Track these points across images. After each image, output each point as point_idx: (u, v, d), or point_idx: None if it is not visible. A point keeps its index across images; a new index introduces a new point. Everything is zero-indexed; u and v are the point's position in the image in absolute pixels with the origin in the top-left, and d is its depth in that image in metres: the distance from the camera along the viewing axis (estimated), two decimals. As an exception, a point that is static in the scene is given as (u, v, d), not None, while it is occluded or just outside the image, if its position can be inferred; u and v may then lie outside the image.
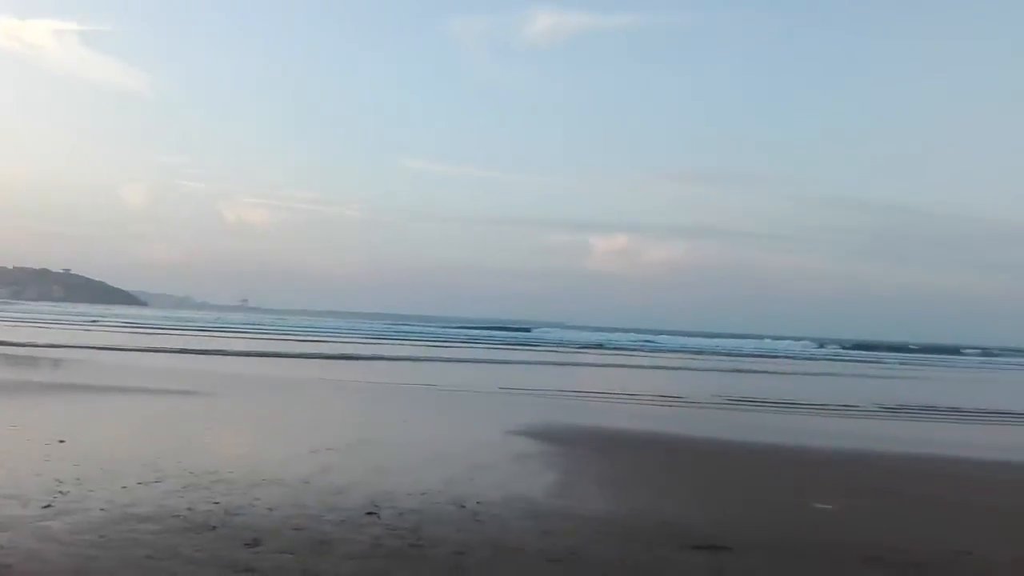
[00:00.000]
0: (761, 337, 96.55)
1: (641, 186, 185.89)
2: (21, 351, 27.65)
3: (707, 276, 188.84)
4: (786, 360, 56.37)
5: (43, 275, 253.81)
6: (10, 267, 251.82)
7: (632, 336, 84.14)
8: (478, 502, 7.63)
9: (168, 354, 30.29)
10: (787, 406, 21.79)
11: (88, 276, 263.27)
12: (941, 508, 8.96)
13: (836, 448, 13.97)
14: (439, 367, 31.91)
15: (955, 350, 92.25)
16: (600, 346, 63.98)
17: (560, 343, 65.62)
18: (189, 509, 6.77)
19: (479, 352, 44.07)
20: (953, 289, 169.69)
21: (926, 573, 6.08)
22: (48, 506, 6.58)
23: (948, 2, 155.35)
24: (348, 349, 39.50)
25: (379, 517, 6.88)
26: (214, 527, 6.28)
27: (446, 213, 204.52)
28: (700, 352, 61.89)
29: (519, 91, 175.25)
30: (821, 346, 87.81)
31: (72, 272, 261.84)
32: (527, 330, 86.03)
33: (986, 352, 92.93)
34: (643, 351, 59.43)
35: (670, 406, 20.44)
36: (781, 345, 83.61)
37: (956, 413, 22.14)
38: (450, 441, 12.40)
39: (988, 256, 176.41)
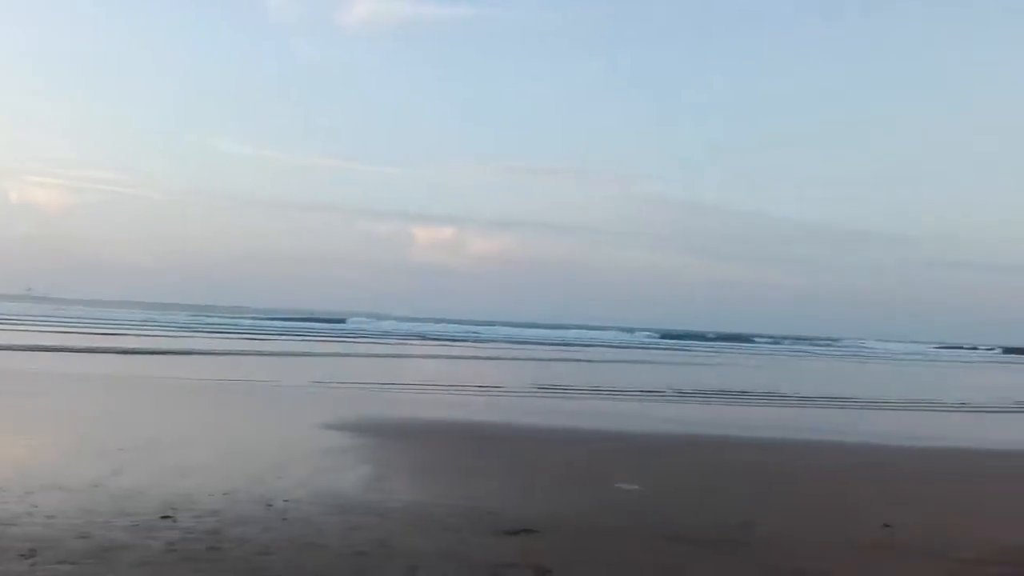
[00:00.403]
0: (581, 327, 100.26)
1: (469, 178, 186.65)
2: None
3: (533, 268, 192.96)
4: (601, 348, 58.87)
5: None
6: None
7: (455, 327, 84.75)
8: (285, 500, 7.36)
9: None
10: (598, 392, 22.76)
11: None
12: (732, 484, 9.62)
13: (641, 431, 14.73)
14: (247, 361, 30.56)
15: (748, 338, 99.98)
16: (421, 337, 63.93)
17: (378, 334, 64.85)
18: (-48, 522, 6.05)
19: (291, 345, 42.62)
20: (748, 282, 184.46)
21: (718, 545, 6.49)
22: None
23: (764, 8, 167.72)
24: (147, 343, 37.02)
25: (175, 520, 6.46)
26: (-18, 540, 5.65)
27: (260, 199, 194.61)
28: (523, 342, 63.31)
29: (342, 76, 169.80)
30: (633, 334, 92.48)
31: None
32: (342, 321, 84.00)
33: (775, 340, 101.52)
34: (466, 342, 60.01)
35: (488, 395, 20.75)
36: (598, 335, 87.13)
37: (746, 396, 24.00)
38: (258, 438, 11.92)
39: (775, 251, 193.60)
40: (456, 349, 47.64)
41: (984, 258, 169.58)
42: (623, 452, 11.92)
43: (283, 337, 51.67)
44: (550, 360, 40.30)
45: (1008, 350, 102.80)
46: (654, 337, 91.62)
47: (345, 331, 68.42)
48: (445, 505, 7.52)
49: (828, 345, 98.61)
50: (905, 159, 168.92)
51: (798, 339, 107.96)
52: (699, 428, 15.79)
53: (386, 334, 65.52)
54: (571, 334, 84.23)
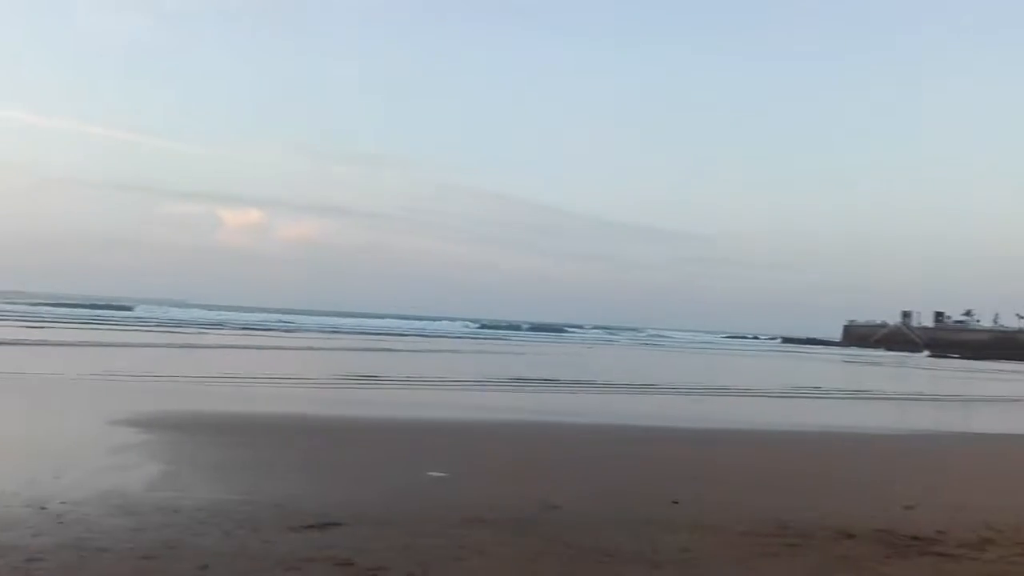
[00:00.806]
0: (397, 317, 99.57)
1: (277, 160, 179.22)
2: None
3: (346, 256, 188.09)
4: (417, 338, 58.81)
5: None
6: None
7: (264, 315, 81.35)
8: (62, 502, 6.73)
9: None
10: (412, 382, 22.73)
11: None
12: (536, 467, 9.88)
13: (454, 418, 14.87)
14: (22, 351, 27.73)
15: (560, 328, 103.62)
16: (221, 325, 60.89)
17: (173, 322, 60.93)
18: None
19: (69, 333, 38.92)
20: (558, 274, 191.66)
21: (520, 526, 6.63)
22: None
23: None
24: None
25: (-74, 530, 5.74)
26: None
27: (47, 175, 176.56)
28: (334, 331, 61.95)
29: (144, 47, 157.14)
30: (453, 324, 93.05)
31: None
32: (128, 308, 77.50)
33: (584, 330, 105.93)
34: (273, 331, 57.84)
35: (293, 386, 20.11)
36: (414, 324, 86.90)
37: (550, 383, 24.85)
38: (32, 436, 10.90)
39: (581, 246, 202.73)
40: (261, 339, 45.85)
41: (766, 258, 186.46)
42: (434, 440, 11.94)
43: (60, 325, 47.26)
44: (362, 350, 39.77)
45: (786, 340, 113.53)
46: (472, 327, 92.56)
47: (131, 319, 63.50)
48: (242, 501, 7.18)
49: (633, 334, 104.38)
50: (704, 164, 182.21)
51: (605, 328, 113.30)
52: (509, 414, 16.16)
53: (181, 322, 61.60)
54: (387, 323, 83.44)
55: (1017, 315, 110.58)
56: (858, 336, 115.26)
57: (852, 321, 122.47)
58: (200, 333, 49.02)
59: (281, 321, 73.53)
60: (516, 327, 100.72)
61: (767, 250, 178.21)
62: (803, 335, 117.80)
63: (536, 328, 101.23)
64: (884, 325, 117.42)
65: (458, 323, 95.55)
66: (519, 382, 24.55)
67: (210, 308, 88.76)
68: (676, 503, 7.88)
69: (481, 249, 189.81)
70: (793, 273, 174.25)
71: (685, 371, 38.16)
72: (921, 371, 51.97)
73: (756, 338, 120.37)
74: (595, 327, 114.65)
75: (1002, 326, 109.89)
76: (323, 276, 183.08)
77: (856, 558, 6.12)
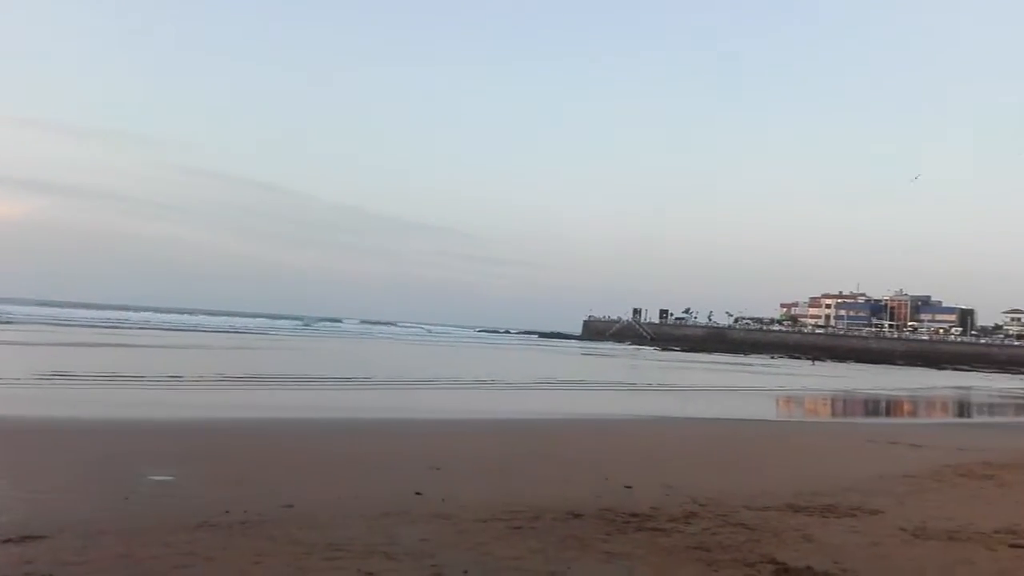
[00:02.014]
0: (144, 308, 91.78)
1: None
2: None
3: (79, 239, 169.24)
4: (160, 332, 54.59)
5: None
6: None
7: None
8: None
9: None
10: (136, 380, 21.04)
11: None
12: (270, 467, 9.50)
13: (178, 418, 13.95)
14: None
15: (317, 321, 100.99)
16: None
17: None
18: None
19: None
20: (321, 267, 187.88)
21: (252, 528, 6.30)
22: None
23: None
24: None
25: None
26: None
27: None
28: (57, 323, 55.92)
29: None
30: (192, 317, 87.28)
31: None
32: None
33: (346, 324, 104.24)
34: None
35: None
36: (162, 317, 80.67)
37: (297, 380, 24.19)
38: None
39: (345, 239, 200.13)
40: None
41: (517, 255, 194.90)
42: (159, 442, 11.13)
43: None
44: (87, 345, 36.22)
45: (534, 333, 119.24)
46: (232, 322, 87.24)
47: None
48: (-81, 517, 6.21)
49: (389, 327, 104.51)
50: (459, 161, 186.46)
51: (369, 323, 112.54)
52: (247, 412, 15.45)
53: None
54: (124, 316, 76.73)
55: (727, 313, 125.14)
56: (596, 330, 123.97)
57: (591, 316, 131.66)
58: None
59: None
60: (276, 320, 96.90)
61: (518, 248, 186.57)
62: (549, 329, 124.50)
63: (305, 323, 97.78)
64: (618, 320, 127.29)
65: (201, 316, 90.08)
66: (259, 379, 23.61)
67: None
68: (419, 494, 7.92)
69: (236, 238, 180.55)
70: (541, 271, 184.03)
71: (442, 365, 38.69)
72: (648, 362, 56.76)
73: (507, 332, 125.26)
74: (362, 321, 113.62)
75: (715, 323, 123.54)
76: (46, 261, 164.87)
77: (582, 536, 6.50)
